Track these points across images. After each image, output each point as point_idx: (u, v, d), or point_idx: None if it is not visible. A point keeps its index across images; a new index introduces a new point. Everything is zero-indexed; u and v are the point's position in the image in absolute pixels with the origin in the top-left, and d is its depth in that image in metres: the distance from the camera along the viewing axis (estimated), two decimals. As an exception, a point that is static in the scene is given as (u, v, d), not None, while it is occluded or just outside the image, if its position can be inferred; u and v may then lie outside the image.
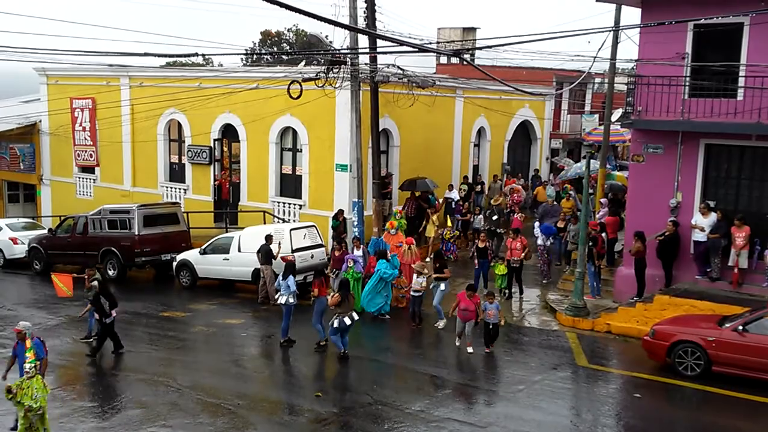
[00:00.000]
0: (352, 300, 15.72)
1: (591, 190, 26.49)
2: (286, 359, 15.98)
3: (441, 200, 25.86)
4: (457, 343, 15.73)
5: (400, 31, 20.57)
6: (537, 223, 22.03)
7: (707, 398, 13.37)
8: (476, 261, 19.80)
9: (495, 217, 23.62)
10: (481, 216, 24.95)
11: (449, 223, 23.35)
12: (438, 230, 23.66)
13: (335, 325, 15.06)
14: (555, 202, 25.25)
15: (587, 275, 18.96)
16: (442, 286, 17.42)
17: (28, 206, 36.09)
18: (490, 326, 15.46)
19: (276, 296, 16.95)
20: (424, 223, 24.30)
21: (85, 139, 31.43)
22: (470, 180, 29.38)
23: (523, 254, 19.36)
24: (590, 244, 18.65)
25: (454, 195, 26.25)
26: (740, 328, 13.75)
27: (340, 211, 22.94)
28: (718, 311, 15.56)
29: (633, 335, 16.38)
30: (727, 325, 14.03)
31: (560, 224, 22.13)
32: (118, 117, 29.29)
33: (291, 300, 16.19)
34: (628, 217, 19.23)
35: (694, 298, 16.67)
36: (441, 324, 17.23)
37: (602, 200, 22.92)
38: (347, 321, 15.03)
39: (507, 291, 19.64)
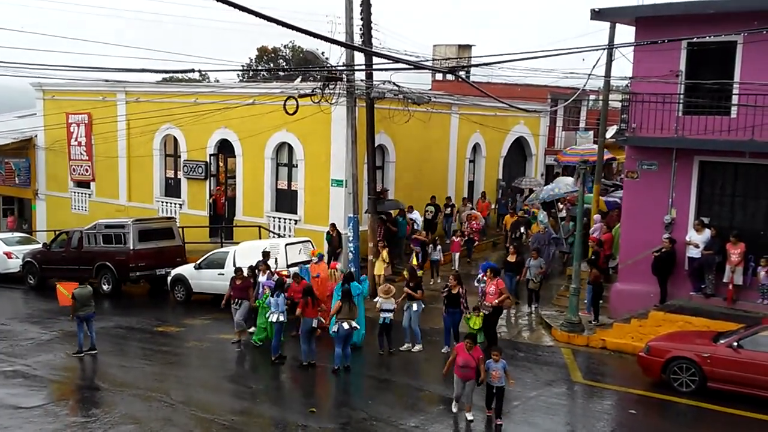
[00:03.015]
0: (354, 309, 15.53)
1: (563, 212, 26.31)
2: (280, 375, 15.92)
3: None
4: (454, 409, 12.94)
5: (396, 48, 20.77)
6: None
7: (702, 415, 13.36)
8: (444, 310, 16.41)
9: (522, 230, 23.47)
10: (440, 248, 22.93)
11: (414, 260, 20.27)
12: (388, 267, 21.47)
13: (334, 330, 15.05)
14: (547, 229, 23.40)
15: (584, 291, 18.97)
16: (414, 306, 16.58)
17: (23, 221, 35.99)
18: (494, 389, 12.53)
19: (266, 314, 16.76)
20: (371, 258, 21.66)
21: (81, 153, 31.44)
22: (464, 196, 29.01)
23: (496, 300, 16.27)
24: (592, 257, 18.74)
25: (416, 216, 24.88)
26: (735, 344, 13.77)
27: (332, 226, 22.95)
28: (713, 327, 15.57)
29: (628, 351, 16.40)
30: (722, 342, 14.05)
31: (511, 258, 19.73)
32: (114, 132, 29.31)
33: (281, 318, 16.15)
34: (623, 233, 19.25)
35: (689, 314, 16.70)
36: (416, 348, 16.62)
37: (596, 216, 22.93)
38: (345, 326, 14.99)
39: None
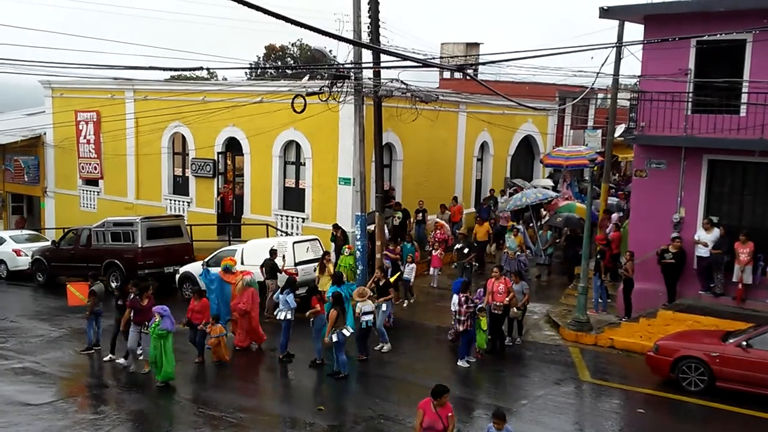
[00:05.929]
0: (343, 315, 15.50)
1: (540, 222, 25.44)
2: (288, 373, 15.94)
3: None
4: None
5: (403, 46, 20.58)
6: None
7: (711, 414, 13.33)
8: (467, 324, 15.50)
9: (461, 247, 21.09)
10: (413, 265, 20.45)
11: (392, 279, 18.74)
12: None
13: (334, 339, 14.98)
14: (519, 252, 20.27)
15: (592, 289, 18.94)
16: (384, 307, 17.00)
17: (32, 219, 36.16)
18: None
19: (275, 311, 16.83)
20: (317, 275, 19.57)
21: (90, 151, 31.54)
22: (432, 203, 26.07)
23: (507, 299, 16.37)
24: (598, 257, 18.65)
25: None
26: (744, 343, 13.74)
27: (335, 226, 22.76)
28: (722, 327, 15.52)
29: (636, 350, 16.36)
30: (731, 341, 14.01)
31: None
32: (123, 130, 29.42)
33: (290, 316, 16.16)
34: (631, 232, 19.19)
35: (698, 313, 16.64)
36: (385, 348, 16.71)
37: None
38: (346, 333, 15.00)
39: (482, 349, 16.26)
